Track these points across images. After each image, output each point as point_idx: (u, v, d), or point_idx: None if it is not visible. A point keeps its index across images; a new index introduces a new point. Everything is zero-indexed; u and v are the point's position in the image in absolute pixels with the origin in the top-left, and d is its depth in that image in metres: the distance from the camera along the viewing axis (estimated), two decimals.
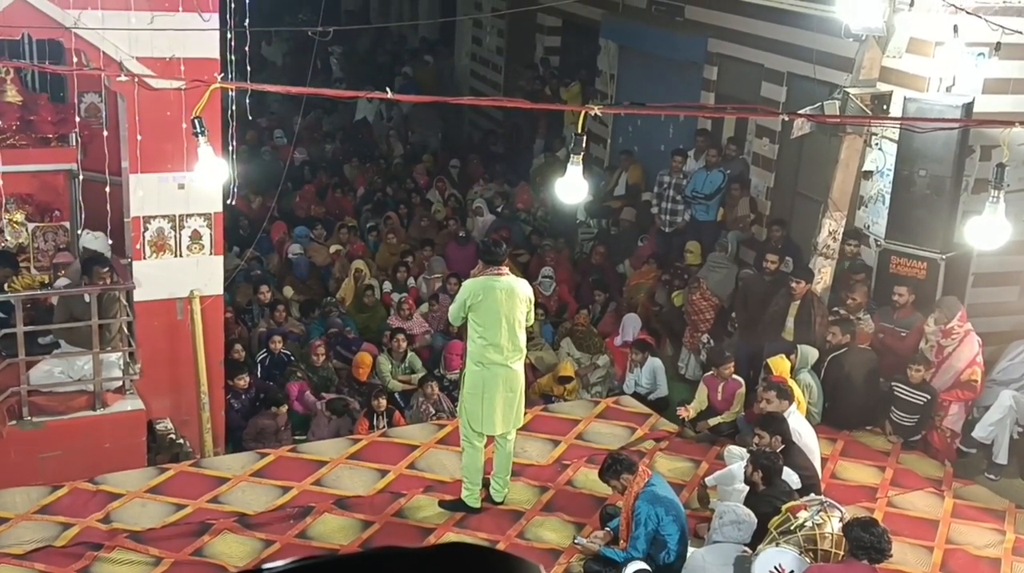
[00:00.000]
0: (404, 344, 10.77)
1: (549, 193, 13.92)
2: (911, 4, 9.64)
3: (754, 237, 12.57)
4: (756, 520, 6.91)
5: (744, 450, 7.81)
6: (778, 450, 7.41)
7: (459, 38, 20.95)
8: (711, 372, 9.31)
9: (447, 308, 8.29)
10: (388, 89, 7.03)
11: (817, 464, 7.85)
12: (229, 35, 8.16)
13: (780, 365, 8.87)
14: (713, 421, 8.99)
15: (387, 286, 12.68)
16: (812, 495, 7.17)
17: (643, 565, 6.75)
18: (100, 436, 8.59)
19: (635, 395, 10.40)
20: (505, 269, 7.31)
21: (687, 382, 11.28)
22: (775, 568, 6.26)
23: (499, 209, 15.26)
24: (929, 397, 9.00)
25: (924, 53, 9.76)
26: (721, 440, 8.81)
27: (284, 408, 9.74)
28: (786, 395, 8.14)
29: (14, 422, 8.41)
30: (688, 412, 9.10)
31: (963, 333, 9.21)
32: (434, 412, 9.91)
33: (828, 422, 9.18)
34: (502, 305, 7.17)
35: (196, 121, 7.06)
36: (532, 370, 11.12)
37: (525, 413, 7.80)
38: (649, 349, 10.87)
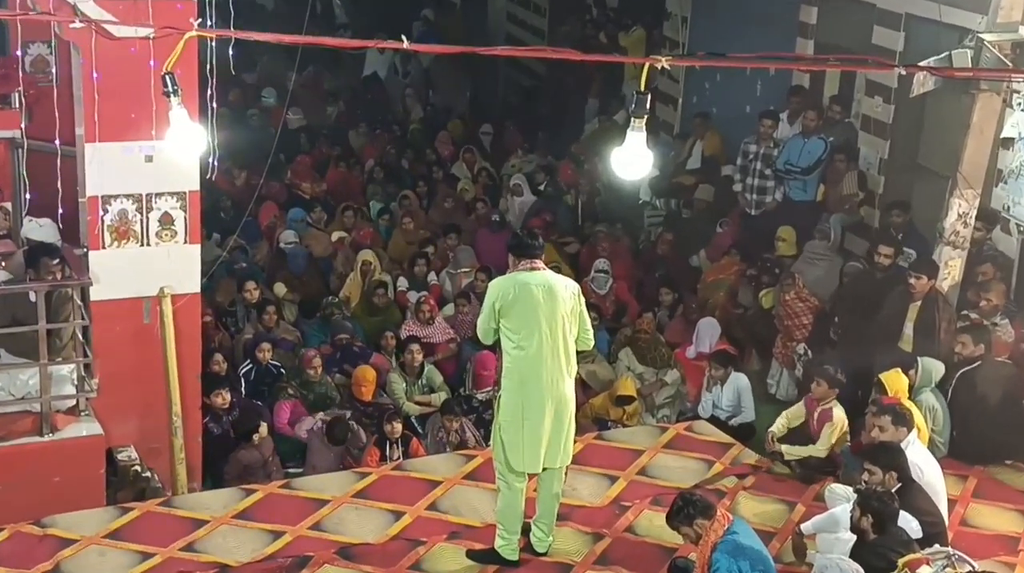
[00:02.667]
0: (419, 357, 10.80)
1: (604, 167, 13.90)
2: None
3: (863, 221, 12.47)
4: None
5: (850, 490, 7.75)
6: (893, 490, 7.35)
7: None
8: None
9: (477, 309, 8.30)
10: (404, 38, 7.02)
11: (943, 507, 7.78)
12: None
13: (896, 382, 8.79)
14: (795, 450, 8.94)
15: (402, 283, 12.73)
16: (937, 546, 7.09)
17: None
18: (48, 468, 8.64)
19: (712, 420, 10.37)
20: (540, 264, 7.31)
21: (778, 404, 11.18)
22: None
23: (541, 187, 15.27)
24: None
25: None
26: (821, 477, 8.75)
27: (264, 429, 9.78)
28: (903, 421, 8.06)
29: None
30: (772, 436, 9.04)
31: None
32: (459, 441, 9.94)
33: (957, 454, 9.09)
34: (540, 306, 7.15)
35: (167, 78, 7.10)
36: (583, 388, 11.11)
37: (575, 442, 7.79)
38: (731, 362, 10.83)
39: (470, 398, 10.81)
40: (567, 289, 7.30)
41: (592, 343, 7.68)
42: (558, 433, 7.39)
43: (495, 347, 8.43)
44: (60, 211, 8.97)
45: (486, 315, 7.29)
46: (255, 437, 9.73)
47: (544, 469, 7.50)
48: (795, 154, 12.58)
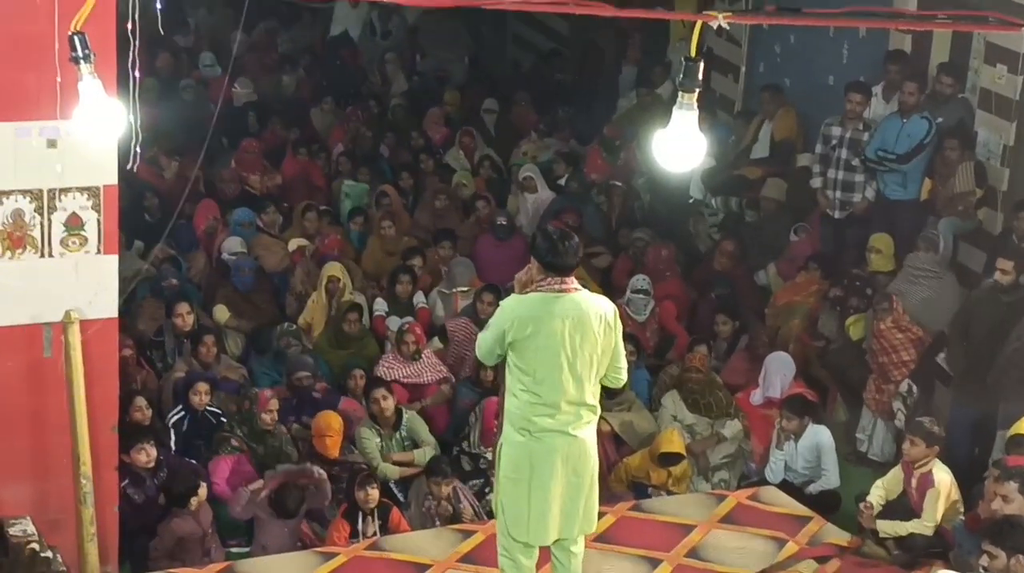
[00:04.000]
0: (389, 404, 10.76)
1: (644, 155, 13.92)
2: None
3: (982, 227, 12.47)
4: None
5: None
6: None
7: None
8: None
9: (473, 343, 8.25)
10: None
11: None
12: None
13: None
14: (894, 526, 8.92)
15: (380, 306, 12.75)
16: None
17: None
18: None
19: (784, 485, 10.37)
20: (574, 281, 7.29)
21: (870, 465, 11.19)
22: None
23: (562, 180, 15.29)
24: None
25: None
26: (926, 561, 8.75)
27: (203, 492, 9.79)
28: None
29: None
30: (871, 510, 9.03)
31: None
32: (451, 512, 9.95)
33: None
34: (565, 343, 7.13)
35: (76, 39, 7.13)
36: (615, 444, 11.12)
37: (602, 512, 7.79)
38: (810, 411, 10.83)
39: (477, 457, 10.82)
40: (602, 319, 7.23)
41: (624, 380, 7.66)
42: (575, 494, 7.38)
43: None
44: None
45: (492, 338, 7.25)
46: (193, 501, 9.74)
47: (557, 541, 7.50)
48: (891, 139, 12.57)
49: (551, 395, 7.18)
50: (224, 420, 10.78)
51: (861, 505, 9.26)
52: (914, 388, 11.13)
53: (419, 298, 12.90)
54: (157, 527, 9.79)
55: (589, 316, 7.19)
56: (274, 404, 10.65)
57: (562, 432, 7.26)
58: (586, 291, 7.36)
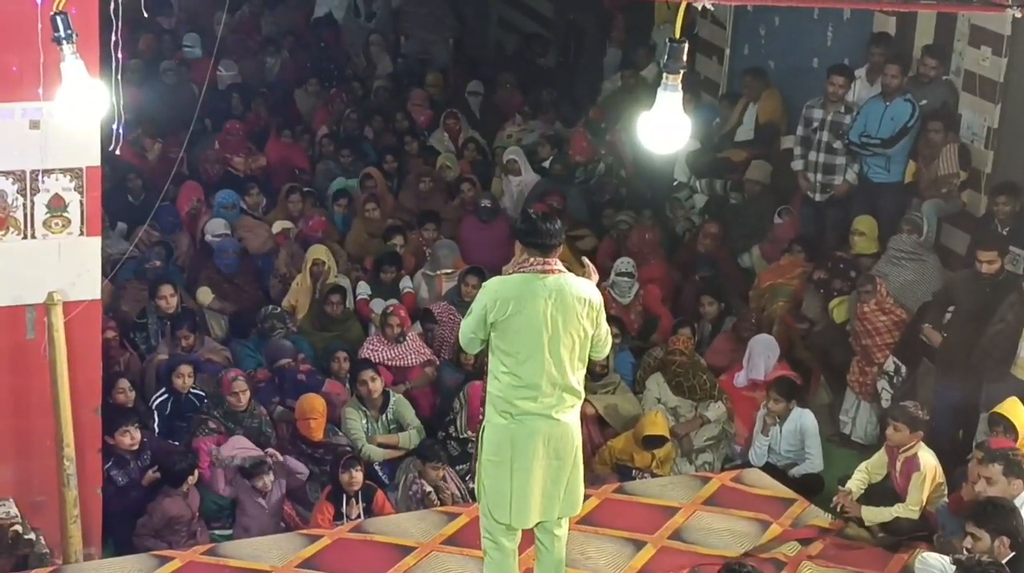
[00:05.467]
0: (377, 385, 10.78)
1: (629, 137, 13.91)
2: None
3: (966, 210, 12.48)
4: None
5: (948, 560, 7.77)
6: (1004, 560, 7.36)
7: None
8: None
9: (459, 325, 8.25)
10: None
11: None
12: None
13: (1015, 414, 8.83)
14: (878, 513, 8.94)
15: (364, 289, 12.74)
16: None
17: None
18: None
19: (768, 468, 10.39)
20: (557, 262, 7.29)
21: (854, 447, 11.21)
22: None
23: (546, 163, 15.28)
24: None
25: None
26: (909, 543, 8.77)
27: (194, 478, 9.81)
28: (1019, 470, 8.08)
29: None
30: (848, 496, 9.06)
31: None
32: (437, 500, 9.96)
33: None
34: (547, 323, 7.14)
35: (59, 19, 7.10)
36: (599, 426, 11.13)
37: (586, 494, 7.80)
38: (793, 394, 10.84)
39: (465, 442, 10.81)
40: (585, 303, 7.25)
41: (605, 353, 7.66)
42: (557, 477, 7.40)
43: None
44: None
45: (474, 322, 7.26)
46: (189, 480, 9.75)
47: (540, 524, 7.51)
48: (874, 122, 12.57)
49: (533, 377, 7.18)
50: (206, 401, 10.77)
51: (838, 495, 9.25)
52: (902, 367, 11.14)
53: (405, 282, 12.90)
54: (147, 506, 9.81)
55: (572, 298, 7.20)
56: (239, 385, 10.61)
57: (544, 415, 7.27)
58: (571, 274, 7.36)
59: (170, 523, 9.68)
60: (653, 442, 10.68)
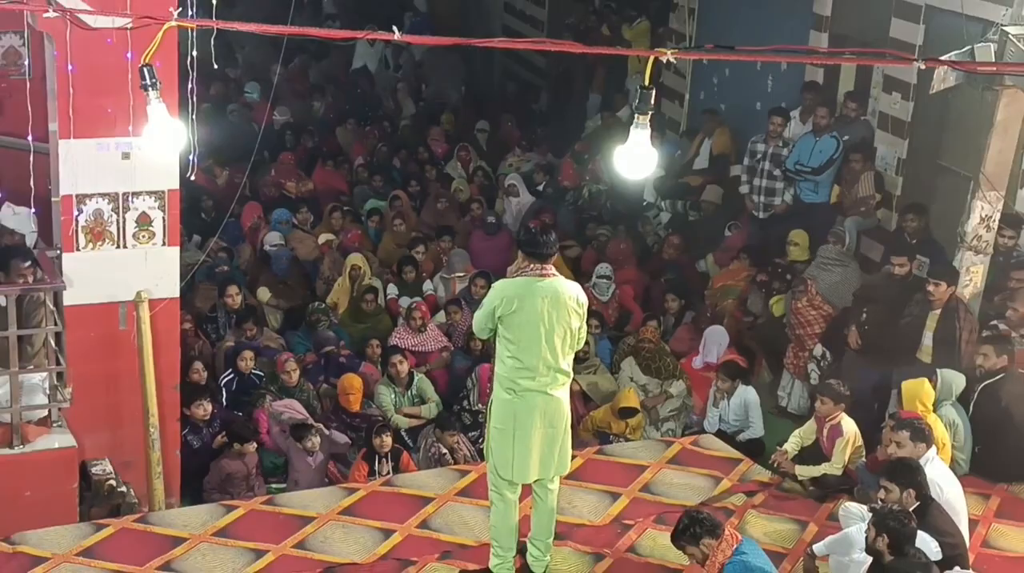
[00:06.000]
0: (404, 367, 10.83)
1: (607, 166, 13.93)
2: None
3: (880, 225, 12.49)
4: None
5: (865, 508, 7.76)
6: (911, 509, 7.37)
7: None
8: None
9: (470, 317, 8.28)
10: (395, 29, 7.04)
11: (964, 528, 7.79)
12: None
13: (917, 393, 8.83)
14: (808, 470, 8.96)
15: (392, 290, 12.76)
16: (957, 569, 7.11)
17: None
18: (18, 482, 8.65)
19: (719, 434, 10.39)
20: (551, 268, 7.31)
21: (790, 417, 11.22)
22: None
23: (540, 187, 15.30)
24: None
25: None
26: (835, 495, 8.77)
27: (252, 446, 9.83)
28: (922, 436, 8.07)
29: None
30: (785, 456, 9.09)
31: None
32: (452, 461, 9.97)
33: (979, 472, 9.10)
34: (544, 317, 7.17)
35: (146, 70, 7.11)
36: (583, 400, 11.14)
37: (573, 456, 7.81)
38: (740, 374, 10.85)
39: (476, 413, 10.82)
40: (574, 300, 7.27)
41: (582, 343, 7.69)
42: (551, 442, 7.41)
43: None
44: (33, 210, 8.97)
45: (485, 314, 7.29)
46: (243, 448, 9.78)
47: (537, 480, 7.53)
48: (805, 154, 12.61)
49: (531, 360, 7.20)
50: (264, 380, 10.80)
51: (775, 454, 9.26)
52: (827, 353, 11.16)
53: (427, 285, 12.94)
54: (210, 465, 9.83)
55: (564, 297, 7.23)
56: (291, 365, 10.73)
57: (541, 391, 7.28)
58: (562, 278, 7.40)
59: (228, 478, 9.72)
60: (627, 413, 10.70)
